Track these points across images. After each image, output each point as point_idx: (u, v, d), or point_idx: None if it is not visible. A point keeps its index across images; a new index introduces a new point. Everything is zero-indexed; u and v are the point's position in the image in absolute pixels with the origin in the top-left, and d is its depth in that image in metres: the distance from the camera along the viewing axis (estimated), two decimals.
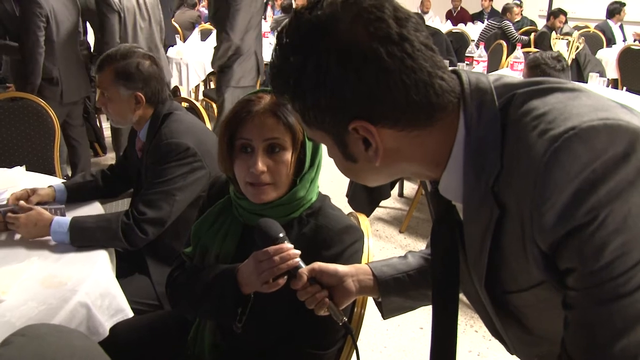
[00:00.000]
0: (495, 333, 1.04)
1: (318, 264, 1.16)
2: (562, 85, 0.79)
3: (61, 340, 0.79)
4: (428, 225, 3.99)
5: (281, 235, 1.19)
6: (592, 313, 0.70)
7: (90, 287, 1.55)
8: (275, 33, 6.61)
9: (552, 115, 0.74)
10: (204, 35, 6.93)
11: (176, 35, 6.84)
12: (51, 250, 1.73)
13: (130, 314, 1.67)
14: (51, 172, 2.95)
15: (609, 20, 8.03)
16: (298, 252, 1.17)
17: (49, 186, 2.06)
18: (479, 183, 0.81)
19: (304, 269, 1.15)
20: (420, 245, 3.70)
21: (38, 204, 1.92)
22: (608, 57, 6.57)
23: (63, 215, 1.86)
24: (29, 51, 3.50)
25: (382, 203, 3.99)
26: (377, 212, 4.08)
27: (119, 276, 1.77)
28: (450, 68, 0.83)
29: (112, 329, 1.59)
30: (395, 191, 4.40)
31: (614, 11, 7.99)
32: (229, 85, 4.17)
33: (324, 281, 1.15)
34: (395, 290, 1.18)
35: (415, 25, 0.78)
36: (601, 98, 0.77)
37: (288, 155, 1.29)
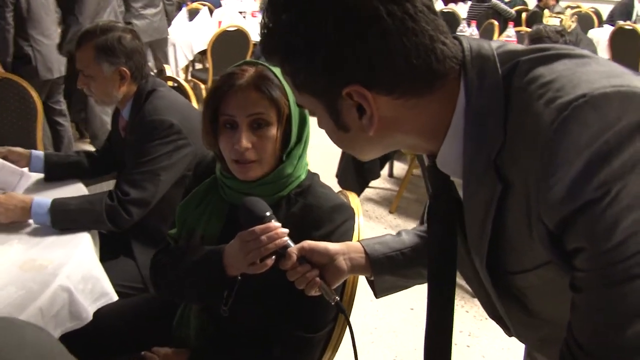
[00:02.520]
0: (494, 316, 1.00)
1: (308, 243, 1.11)
2: (570, 51, 0.74)
3: (9, 335, 0.72)
4: (418, 206, 3.98)
5: (268, 213, 1.14)
6: (603, 296, 0.65)
7: (72, 271, 1.50)
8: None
9: (560, 82, 0.69)
10: (192, 14, 6.81)
11: None
12: (31, 233, 1.68)
13: (115, 298, 1.63)
14: None
15: None
16: (286, 230, 1.12)
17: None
18: (479, 156, 0.76)
19: (293, 248, 1.10)
20: (410, 226, 3.65)
21: (5, 158, 1.89)
22: (599, 36, 6.53)
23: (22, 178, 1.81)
24: None
25: (372, 183, 3.95)
26: (367, 192, 4.04)
27: (103, 259, 1.73)
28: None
29: (95, 313, 1.54)
30: (385, 171, 4.36)
31: None
32: None
33: (314, 260, 1.10)
34: (388, 269, 1.14)
35: None
36: (612, 64, 0.72)
37: (273, 131, 1.24)
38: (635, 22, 6.97)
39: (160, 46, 5.24)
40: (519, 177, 0.71)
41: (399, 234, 1.18)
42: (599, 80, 0.67)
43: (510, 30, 4.81)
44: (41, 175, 2.07)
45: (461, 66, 0.77)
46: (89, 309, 1.53)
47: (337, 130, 0.81)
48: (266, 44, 0.80)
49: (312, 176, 1.36)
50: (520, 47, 0.79)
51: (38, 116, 2.89)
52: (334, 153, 3.60)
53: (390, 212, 3.88)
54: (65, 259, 1.54)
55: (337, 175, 3.63)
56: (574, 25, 4.60)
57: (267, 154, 1.25)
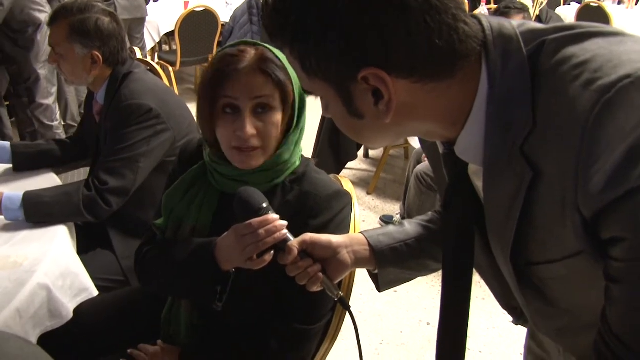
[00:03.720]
0: (508, 306, 0.97)
1: (309, 236, 1.05)
2: (602, 29, 0.69)
3: None
4: (396, 186, 3.95)
5: (265, 205, 1.07)
6: None
7: (50, 267, 1.42)
8: None
9: (596, 62, 0.64)
10: None
11: None
12: (2, 229, 1.58)
13: (95, 293, 1.55)
14: None
15: None
16: (285, 223, 1.05)
17: None
18: (504, 142, 0.71)
19: (294, 241, 1.03)
20: (388, 207, 3.65)
21: None
22: (566, 14, 6.58)
23: None
24: None
25: (348, 165, 3.91)
26: (344, 173, 4.00)
27: (80, 252, 1.64)
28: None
29: (76, 310, 1.46)
30: (361, 152, 4.31)
31: None
32: None
33: (315, 254, 1.04)
34: (392, 261, 1.08)
35: None
36: None
37: (278, 116, 1.17)
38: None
39: (137, 26, 5.05)
40: (552, 164, 0.66)
41: (402, 224, 1.13)
42: None
43: (483, 8, 4.80)
44: (8, 166, 1.96)
45: (483, 47, 0.72)
46: (69, 306, 1.45)
47: (350, 117, 0.75)
48: (271, 23, 0.72)
49: (307, 162, 1.29)
50: (542, 26, 0.74)
51: None
52: (310, 134, 3.54)
53: (368, 193, 3.85)
54: (41, 254, 1.45)
55: (313, 157, 3.57)
56: (544, 2, 4.60)
57: (271, 140, 1.17)
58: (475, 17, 0.74)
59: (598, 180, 0.60)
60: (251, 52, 1.15)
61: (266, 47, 1.17)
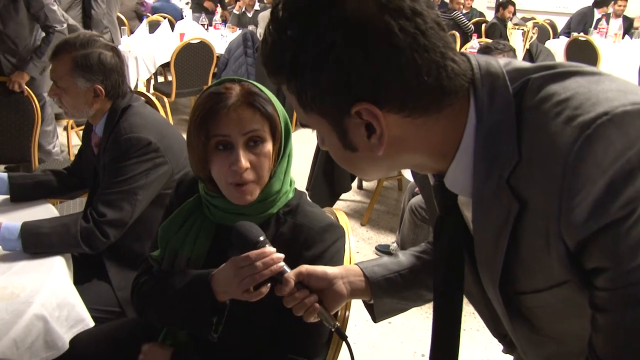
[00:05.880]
0: (498, 333, 0.99)
1: (305, 267, 1.07)
2: (581, 68, 0.73)
3: None
4: (389, 218, 3.98)
5: (262, 238, 1.10)
6: (630, 315, 0.64)
7: (47, 298, 1.43)
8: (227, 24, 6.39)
9: (577, 100, 0.67)
10: (152, 27, 6.70)
11: (122, 28, 6.59)
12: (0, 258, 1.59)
13: (91, 324, 1.56)
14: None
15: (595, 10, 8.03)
16: (281, 255, 1.08)
17: None
18: (491, 175, 0.74)
19: (290, 273, 1.06)
20: (382, 238, 3.67)
21: None
22: (556, 48, 6.72)
23: None
24: None
25: (342, 196, 3.93)
26: (338, 205, 4.02)
27: (75, 282, 1.65)
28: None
29: (72, 341, 1.47)
30: (354, 184, 4.35)
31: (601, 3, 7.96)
32: None
33: (312, 285, 1.06)
34: (387, 291, 1.11)
35: (426, 1, 0.70)
36: (625, 81, 0.71)
37: (269, 147, 1.20)
38: (589, 33, 7.20)
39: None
40: (536, 196, 0.70)
41: (396, 255, 1.16)
42: (617, 98, 0.66)
43: (474, 42, 4.90)
44: (6, 196, 1.97)
45: (470, 84, 0.75)
46: (65, 337, 1.46)
47: (344, 149, 0.78)
48: (270, 60, 0.76)
49: (300, 195, 1.32)
50: (527, 64, 0.78)
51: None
52: (305, 166, 3.57)
53: (362, 225, 3.87)
54: (39, 285, 1.46)
55: (308, 189, 3.60)
56: (534, 37, 4.70)
57: (264, 171, 1.21)
58: (464, 55, 0.78)
59: (580, 212, 0.63)
60: (236, 89, 1.18)
61: (250, 82, 1.21)
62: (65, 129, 4.78)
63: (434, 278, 0.94)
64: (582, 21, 7.90)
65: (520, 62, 0.79)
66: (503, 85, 0.74)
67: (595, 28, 7.40)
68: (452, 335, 0.92)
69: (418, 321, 2.79)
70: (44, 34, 3.53)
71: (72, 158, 2.89)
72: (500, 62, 0.78)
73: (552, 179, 0.66)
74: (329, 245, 1.24)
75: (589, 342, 0.70)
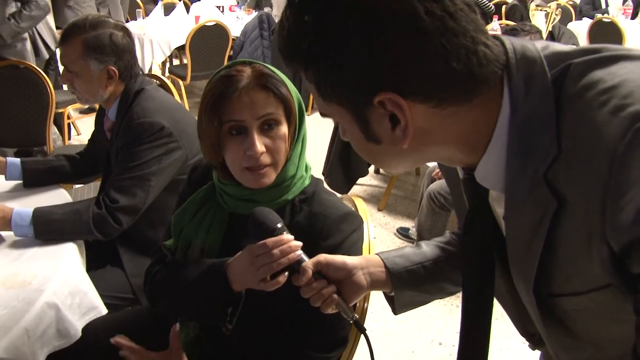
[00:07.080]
0: (526, 332, 0.94)
1: (324, 256, 1.02)
2: (629, 52, 0.67)
3: None
4: (407, 203, 3.92)
5: (279, 225, 1.05)
6: None
7: (59, 285, 1.40)
8: (242, 6, 6.35)
9: (625, 88, 0.61)
10: (167, 9, 6.66)
11: (138, 10, 6.56)
12: (11, 245, 1.57)
13: (104, 311, 1.54)
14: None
15: None
16: (299, 243, 1.04)
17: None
18: (526, 169, 0.68)
19: (308, 262, 1.01)
20: (400, 223, 3.62)
21: None
22: (578, 29, 6.56)
23: None
24: None
25: (359, 180, 3.88)
26: (354, 189, 3.97)
27: (88, 269, 1.63)
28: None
29: (84, 329, 1.45)
30: (371, 168, 4.29)
31: None
32: None
33: (330, 275, 1.01)
34: (409, 284, 1.06)
35: None
36: None
37: (284, 130, 1.16)
38: (604, 13, 7.01)
39: None
40: (577, 193, 0.64)
41: (419, 245, 1.11)
42: None
43: (495, 24, 4.78)
44: (19, 182, 1.96)
45: (504, 70, 0.70)
46: (77, 325, 1.43)
47: (367, 142, 0.74)
48: (286, 48, 0.71)
49: (317, 182, 1.27)
50: (567, 47, 0.71)
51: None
52: (321, 151, 3.52)
53: (379, 210, 3.82)
54: (51, 272, 1.44)
55: (324, 174, 3.56)
56: (557, 18, 4.58)
57: (281, 155, 1.16)
58: (498, 38, 0.72)
59: (629, 212, 0.57)
60: (248, 71, 1.13)
61: (261, 64, 1.16)
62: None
63: (463, 274, 0.89)
64: (589, 1, 7.69)
65: (559, 45, 0.72)
66: (541, 71, 0.68)
67: (607, 7, 7.18)
68: (482, 331, 0.87)
69: (436, 309, 2.74)
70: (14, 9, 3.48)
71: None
72: (537, 45, 0.72)
73: (596, 175, 0.60)
74: (346, 235, 1.19)
75: (633, 351, 0.65)
